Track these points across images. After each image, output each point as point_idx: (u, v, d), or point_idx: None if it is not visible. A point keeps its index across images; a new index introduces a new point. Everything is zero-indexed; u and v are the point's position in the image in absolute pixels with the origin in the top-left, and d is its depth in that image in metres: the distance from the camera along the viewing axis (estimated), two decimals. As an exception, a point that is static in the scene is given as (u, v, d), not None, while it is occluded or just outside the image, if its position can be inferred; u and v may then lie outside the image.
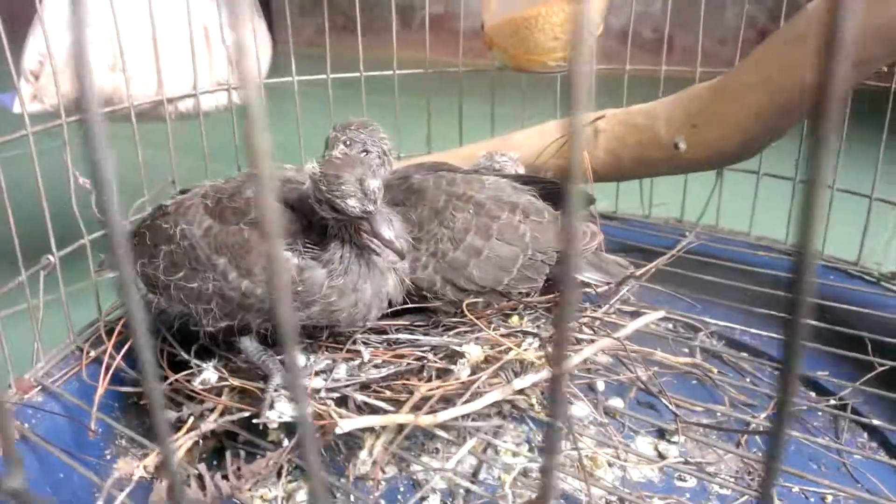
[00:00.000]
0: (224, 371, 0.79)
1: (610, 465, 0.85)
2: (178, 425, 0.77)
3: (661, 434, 0.92)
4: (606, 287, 0.93)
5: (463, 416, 0.77)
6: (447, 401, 0.76)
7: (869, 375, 0.96)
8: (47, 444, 0.76)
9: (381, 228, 0.72)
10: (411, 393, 0.75)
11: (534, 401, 0.78)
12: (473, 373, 0.77)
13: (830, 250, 1.19)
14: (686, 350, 1.07)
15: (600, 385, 0.99)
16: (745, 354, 1.10)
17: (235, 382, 0.77)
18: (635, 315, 1.03)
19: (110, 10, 0.94)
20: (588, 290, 0.93)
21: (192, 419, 0.74)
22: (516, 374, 0.77)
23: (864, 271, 1.14)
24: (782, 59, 0.90)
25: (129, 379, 0.88)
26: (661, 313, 0.88)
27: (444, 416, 0.72)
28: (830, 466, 0.89)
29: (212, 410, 0.77)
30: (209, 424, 0.73)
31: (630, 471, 0.87)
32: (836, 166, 1.15)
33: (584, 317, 0.85)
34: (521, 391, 0.77)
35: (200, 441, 0.77)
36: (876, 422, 0.92)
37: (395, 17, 1.22)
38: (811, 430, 0.95)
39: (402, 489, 0.84)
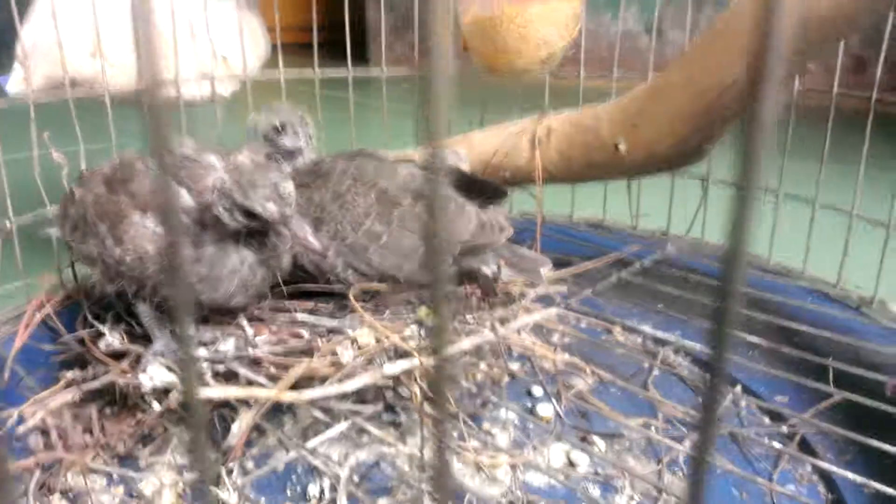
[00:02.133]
0: (124, 336, 0.82)
1: (513, 468, 0.82)
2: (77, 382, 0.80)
3: (584, 442, 0.88)
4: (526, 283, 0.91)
5: (338, 399, 0.76)
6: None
7: (822, 405, 0.88)
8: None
9: (301, 230, 0.74)
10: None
11: (416, 391, 0.76)
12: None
13: (812, 271, 1.10)
14: (640, 363, 1.02)
15: (537, 390, 0.96)
16: (708, 375, 1.03)
17: (131, 347, 0.80)
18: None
19: (90, -2, 1.01)
20: (509, 287, 0.91)
21: (70, 377, 0.77)
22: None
23: (845, 295, 1.05)
24: (703, 58, 0.85)
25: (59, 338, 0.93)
26: (554, 310, 0.85)
27: (309, 394, 0.72)
28: (754, 495, 0.82)
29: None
30: (90, 384, 0.76)
31: (533, 476, 0.83)
32: (818, 181, 1.07)
33: (472, 311, 0.82)
34: (397, 379, 0.76)
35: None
36: (822, 463, 0.83)
37: (383, 14, 1.24)
38: (749, 456, 0.88)
39: (299, 471, 0.84)
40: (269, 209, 0.72)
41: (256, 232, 0.75)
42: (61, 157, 0.98)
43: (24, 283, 0.99)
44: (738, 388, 0.98)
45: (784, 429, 0.90)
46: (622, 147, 0.95)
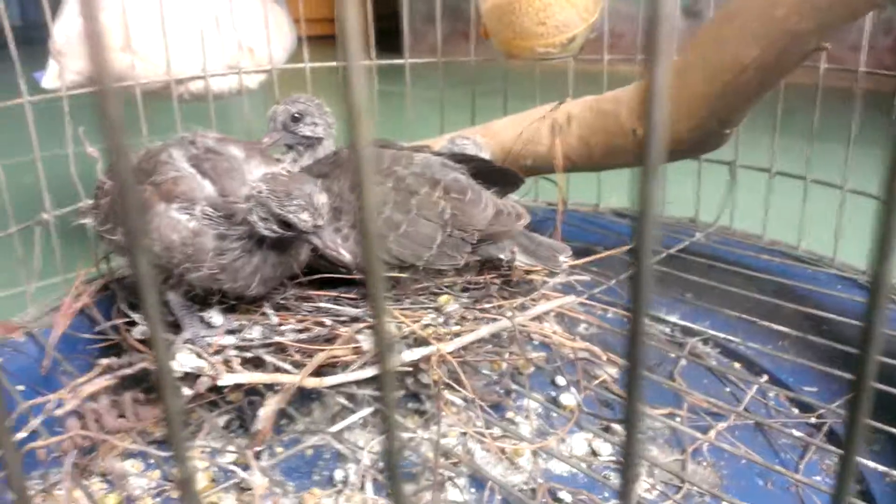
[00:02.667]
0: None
1: (534, 455, 0.83)
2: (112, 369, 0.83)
3: (607, 431, 0.89)
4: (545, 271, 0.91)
5: (361, 385, 0.78)
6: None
7: (849, 396, 0.87)
8: (4, 378, 0.84)
9: (332, 242, 0.76)
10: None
11: (435, 377, 0.77)
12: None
13: (843, 257, 1.08)
14: (666, 353, 1.02)
15: (560, 380, 0.97)
16: (737, 365, 1.03)
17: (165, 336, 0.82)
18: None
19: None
20: (531, 276, 0.91)
21: (106, 364, 0.80)
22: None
23: (877, 282, 1.02)
24: (717, 38, 0.84)
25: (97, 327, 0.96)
26: (573, 298, 0.85)
27: (331, 380, 0.74)
28: (780, 486, 0.81)
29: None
30: (124, 371, 0.79)
31: (555, 464, 0.84)
32: (846, 165, 1.05)
33: (490, 299, 0.83)
34: (417, 365, 0.77)
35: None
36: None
37: (405, 3, 1.25)
38: (775, 447, 0.87)
39: (326, 456, 0.86)
40: (304, 220, 0.74)
41: (286, 238, 0.78)
42: (95, 151, 1.01)
43: (63, 276, 1.02)
44: (766, 378, 0.97)
45: (812, 419, 0.89)
46: (640, 132, 0.94)
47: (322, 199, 0.75)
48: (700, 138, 0.93)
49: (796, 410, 0.93)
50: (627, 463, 0.26)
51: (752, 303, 1.04)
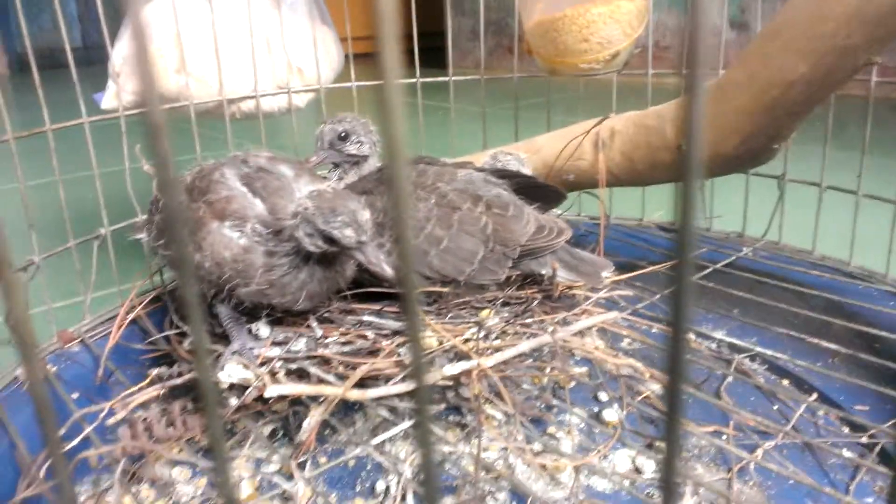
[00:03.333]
0: (208, 337, 0.87)
1: (576, 471, 0.83)
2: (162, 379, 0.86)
3: (650, 448, 0.88)
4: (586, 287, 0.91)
5: (402, 398, 0.79)
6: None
7: (903, 415, 0.85)
8: (60, 386, 0.88)
9: (374, 258, 0.78)
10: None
11: (475, 391, 0.78)
12: (429, 359, 0.79)
13: (895, 273, 1.05)
14: (712, 370, 1.00)
15: (603, 395, 0.96)
16: (785, 382, 1.01)
17: (212, 346, 0.85)
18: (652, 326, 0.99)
19: (174, 17, 1.07)
20: (573, 291, 0.91)
21: (157, 374, 0.83)
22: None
23: (934, 299, 1.00)
24: (765, 54, 0.82)
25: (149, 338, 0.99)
26: (615, 314, 0.84)
27: (373, 392, 0.75)
28: (828, 506, 0.79)
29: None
30: (174, 381, 0.81)
31: (597, 480, 0.83)
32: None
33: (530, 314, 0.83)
34: (457, 380, 0.77)
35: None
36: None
37: (448, 14, 1.26)
38: (825, 467, 0.85)
39: (368, 468, 0.88)
40: (348, 236, 0.76)
41: (331, 254, 0.80)
42: (151, 168, 1.05)
43: (118, 288, 1.06)
44: (815, 397, 0.95)
45: (863, 439, 0.86)
46: (684, 148, 0.93)
47: (365, 215, 0.77)
48: (748, 153, 0.92)
49: (847, 430, 0.91)
50: (668, 480, 0.26)
51: (801, 319, 1.02)
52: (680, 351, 0.22)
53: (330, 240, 0.77)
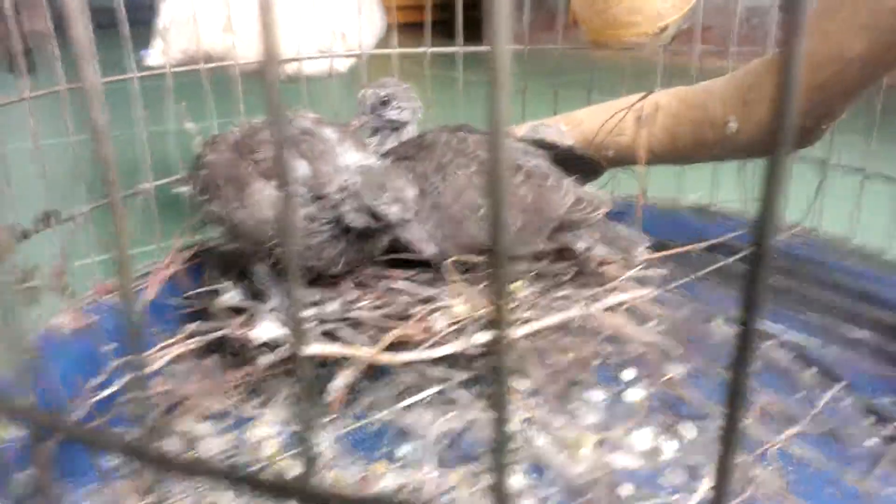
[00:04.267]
0: (243, 294, 0.89)
1: (598, 447, 0.84)
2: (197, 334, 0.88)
3: (673, 429, 0.88)
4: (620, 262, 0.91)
5: (430, 364, 0.80)
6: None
7: (932, 407, 0.84)
8: (98, 336, 0.91)
9: (416, 236, 0.80)
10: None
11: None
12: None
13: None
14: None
15: (628, 374, 0.96)
16: (814, 370, 1.00)
17: (249, 304, 0.87)
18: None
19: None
20: (604, 267, 0.91)
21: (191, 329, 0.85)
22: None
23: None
24: (822, 29, 0.80)
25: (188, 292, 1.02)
26: (647, 292, 0.84)
27: (403, 356, 0.77)
28: (850, 496, 0.79)
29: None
30: (207, 336, 0.84)
31: (617, 457, 0.84)
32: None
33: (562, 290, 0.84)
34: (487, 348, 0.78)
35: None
36: (927, 460, 0.80)
37: None
38: (848, 455, 0.85)
39: (391, 432, 0.89)
40: (394, 212, 0.78)
41: (374, 229, 0.81)
42: (194, 126, 1.07)
43: (158, 244, 1.09)
44: (842, 385, 0.94)
45: (888, 429, 0.86)
46: (733, 125, 0.92)
47: (412, 192, 0.78)
48: (798, 132, 0.90)
49: (872, 420, 0.90)
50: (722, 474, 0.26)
51: (833, 307, 1.01)
52: (749, 342, 0.23)
53: (375, 216, 0.78)
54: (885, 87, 0.99)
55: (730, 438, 0.25)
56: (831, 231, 1.18)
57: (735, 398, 0.24)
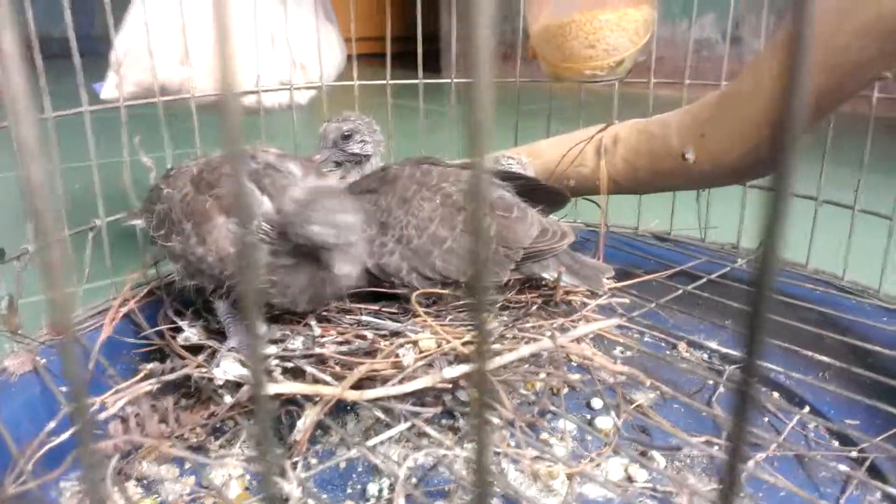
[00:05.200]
0: (203, 332, 0.86)
1: (570, 478, 0.83)
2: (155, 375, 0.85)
3: (644, 457, 0.88)
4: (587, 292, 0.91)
5: (399, 400, 0.78)
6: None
7: (894, 430, 0.86)
8: (49, 379, 0.87)
9: (339, 264, 0.76)
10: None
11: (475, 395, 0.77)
12: (426, 361, 0.79)
13: (888, 289, 1.06)
14: (704, 379, 1.01)
15: (597, 403, 0.96)
16: (775, 394, 1.01)
17: (208, 342, 0.84)
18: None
19: (179, 8, 1.06)
20: (570, 297, 0.91)
21: (149, 369, 0.82)
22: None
23: (926, 316, 1.01)
24: (774, 65, 0.83)
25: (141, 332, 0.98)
26: (615, 320, 0.84)
27: (371, 393, 0.75)
28: (820, 521, 0.80)
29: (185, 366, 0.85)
30: (167, 377, 0.81)
31: (590, 488, 0.83)
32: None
33: (530, 319, 0.83)
34: (456, 383, 0.77)
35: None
36: (893, 489, 0.81)
37: (452, 16, 1.26)
38: (816, 480, 0.85)
39: (360, 470, 0.87)
40: (317, 233, 0.74)
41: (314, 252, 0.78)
42: (150, 161, 1.04)
43: (112, 280, 1.05)
44: (807, 410, 0.95)
45: (853, 453, 0.87)
46: (690, 156, 0.94)
47: (347, 219, 0.75)
48: (752, 165, 0.93)
49: (837, 443, 0.92)
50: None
51: (794, 332, 1.03)
52: (752, 377, 0.22)
53: (304, 236, 0.75)
54: (836, 115, 1.02)
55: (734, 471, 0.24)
56: (789, 257, 1.21)
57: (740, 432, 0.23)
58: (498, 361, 0.75)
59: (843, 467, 0.84)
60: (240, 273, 0.72)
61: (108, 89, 1.18)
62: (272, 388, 0.74)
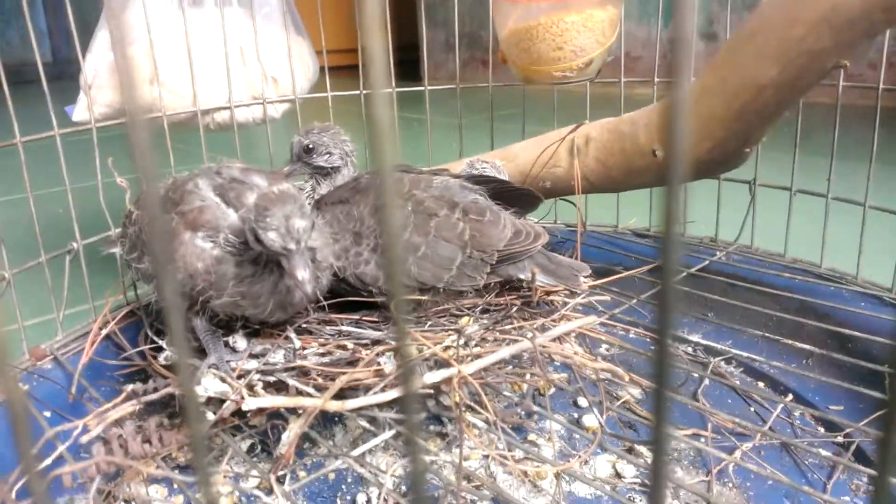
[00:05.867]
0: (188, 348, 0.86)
1: (557, 477, 0.83)
2: (137, 395, 0.84)
3: (631, 452, 0.88)
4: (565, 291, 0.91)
5: (383, 409, 0.78)
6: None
7: (878, 414, 0.86)
8: (31, 405, 0.86)
9: (296, 269, 0.74)
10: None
11: (457, 399, 0.77)
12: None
13: (866, 274, 1.07)
14: (689, 373, 1.01)
15: (583, 401, 0.96)
16: (760, 384, 1.02)
17: (191, 361, 0.84)
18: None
19: (147, 27, 1.06)
20: (550, 297, 0.91)
21: (131, 389, 0.81)
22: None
23: (901, 299, 1.02)
24: (735, 59, 0.84)
25: (123, 353, 0.98)
26: (594, 318, 0.85)
27: (352, 403, 0.74)
28: (807, 506, 0.80)
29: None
30: (149, 396, 0.80)
31: (579, 486, 0.83)
32: (868, 182, 1.04)
33: (511, 320, 0.83)
34: (438, 388, 0.77)
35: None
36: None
37: (423, 26, 1.26)
38: (802, 467, 0.86)
39: (349, 480, 0.87)
40: (272, 239, 0.73)
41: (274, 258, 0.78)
42: (124, 182, 1.04)
43: (91, 303, 1.05)
44: (790, 398, 0.96)
45: (839, 438, 0.88)
46: (659, 153, 0.94)
47: (300, 223, 0.73)
48: (720, 158, 0.93)
49: (822, 429, 0.92)
50: (655, 486, 0.26)
51: (775, 321, 1.03)
52: (665, 356, 0.22)
53: (258, 239, 0.74)
54: (804, 105, 1.04)
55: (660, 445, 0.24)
56: (765, 247, 1.22)
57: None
58: (478, 364, 0.75)
59: (828, 453, 0.84)
60: (211, 286, 0.71)
61: (80, 112, 1.17)
62: (253, 403, 0.73)
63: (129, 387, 0.87)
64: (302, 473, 0.85)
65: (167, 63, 1.13)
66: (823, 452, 0.83)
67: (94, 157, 1.04)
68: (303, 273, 0.73)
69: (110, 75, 1.13)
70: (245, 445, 0.89)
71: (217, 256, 0.78)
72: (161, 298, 0.24)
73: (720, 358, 1.03)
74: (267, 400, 0.74)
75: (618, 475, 0.85)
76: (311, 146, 0.95)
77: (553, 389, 0.95)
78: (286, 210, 0.73)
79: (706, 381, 1.00)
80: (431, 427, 0.88)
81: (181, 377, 0.25)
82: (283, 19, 1.26)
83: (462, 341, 0.79)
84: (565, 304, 0.92)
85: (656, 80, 1.18)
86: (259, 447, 0.89)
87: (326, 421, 0.89)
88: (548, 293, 0.93)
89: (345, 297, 0.89)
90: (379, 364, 0.79)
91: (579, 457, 0.85)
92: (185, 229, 0.78)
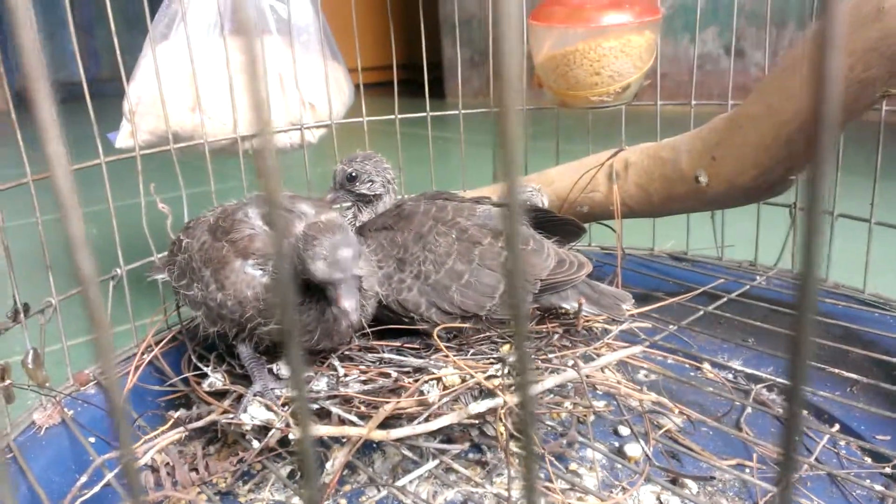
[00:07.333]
0: (227, 377, 0.87)
1: (602, 508, 0.82)
2: (183, 422, 0.85)
3: (675, 483, 0.87)
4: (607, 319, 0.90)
5: (426, 438, 0.78)
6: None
7: (928, 444, 0.84)
8: (77, 430, 0.87)
9: (343, 299, 0.75)
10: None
11: (501, 429, 0.77)
12: (451, 397, 0.79)
13: (912, 302, 1.05)
14: (731, 401, 1.00)
15: (624, 430, 0.96)
16: (804, 412, 1.00)
17: (233, 387, 0.84)
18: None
19: (189, 56, 1.08)
20: (591, 324, 0.91)
21: (177, 417, 0.82)
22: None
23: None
24: (782, 87, 0.84)
25: (167, 379, 0.99)
26: (638, 348, 0.84)
27: (397, 433, 0.75)
28: (859, 541, 0.79)
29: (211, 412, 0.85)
30: (195, 424, 0.81)
31: (622, 517, 0.83)
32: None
33: (556, 348, 0.83)
34: (482, 417, 0.77)
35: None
36: (930, 498, 0.80)
37: (459, 54, 1.27)
38: (850, 498, 0.84)
39: (389, 509, 0.87)
40: (318, 268, 0.74)
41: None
42: (166, 207, 1.05)
43: (133, 327, 1.06)
44: (837, 427, 0.94)
45: (887, 469, 0.86)
46: (703, 179, 0.94)
47: (346, 253, 0.74)
48: (765, 185, 0.93)
49: (869, 460, 0.90)
50: None
51: (818, 348, 1.02)
52: (797, 410, 0.22)
53: (306, 268, 0.75)
54: (847, 126, 1.02)
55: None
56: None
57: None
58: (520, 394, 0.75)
59: (878, 486, 0.83)
60: (260, 314, 0.72)
61: (123, 138, 1.19)
62: (297, 431, 0.74)
63: (175, 413, 0.88)
64: (342, 501, 0.85)
65: (208, 90, 1.15)
66: (873, 485, 0.82)
67: (133, 182, 1.05)
68: (349, 303, 0.73)
69: (152, 104, 1.15)
70: (285, 472, 0.89)
71: (266, 284, 0.78)
72: (266, 340, 0.24)
73: (762, 385, 1.02)
74: (313, 429, 0.74)
75: (662, 506, 0.84)
76: (354, 174, 0.96)
77: (593, 417, 0.94)
78: (334, 240, 0.73)
79: (748, 410, 0.98)
80: (471, 455, 0.88)
81: (300, 416, 0.25)
82: (321, 47, 1.27)
83: (506, 370, 0.79)
84: (605, 330, 0.91)
85: (693, 102, 1.18)
86: (299, 473, 0.90)
87: (366, 448, 0.89)
88: (588, 320, 0.92)
89: (387, 324, 0.89)
90: (422, 393, 0.79)
91: (624, 488, 0.84)
92: (235, 257, 0.79)
